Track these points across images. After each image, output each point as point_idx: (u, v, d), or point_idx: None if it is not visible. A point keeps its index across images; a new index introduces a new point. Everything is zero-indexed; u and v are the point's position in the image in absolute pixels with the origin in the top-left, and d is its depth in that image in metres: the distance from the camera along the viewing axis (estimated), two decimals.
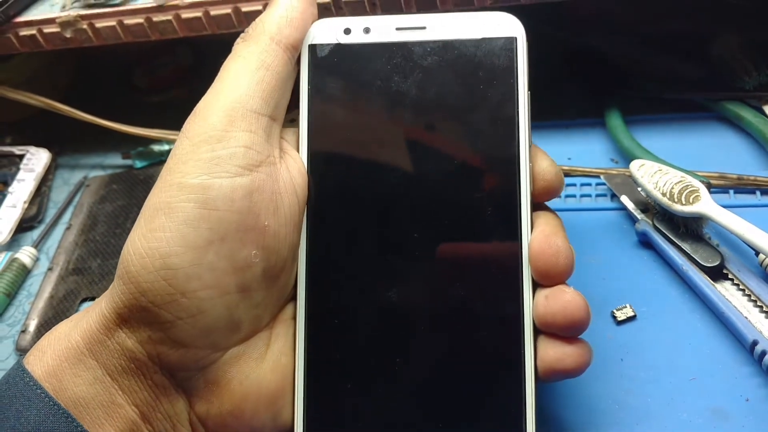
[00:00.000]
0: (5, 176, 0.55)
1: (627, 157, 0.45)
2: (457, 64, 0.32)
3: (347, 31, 0.33)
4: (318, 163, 0.33)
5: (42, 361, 0.29)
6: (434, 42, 0.33)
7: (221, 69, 0.32)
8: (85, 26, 0.48)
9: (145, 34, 0.48)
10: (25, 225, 0.53)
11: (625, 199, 0.43)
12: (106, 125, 0.53)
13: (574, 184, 0.46)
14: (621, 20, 0.52)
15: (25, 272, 0.50)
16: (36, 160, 0.56)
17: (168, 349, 0.29)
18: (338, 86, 0.33)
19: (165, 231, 0.29)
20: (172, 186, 0.29)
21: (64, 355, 0.29)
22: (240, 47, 0.32)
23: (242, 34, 0.33)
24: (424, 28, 0.33)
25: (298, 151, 0.33)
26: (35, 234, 0.53)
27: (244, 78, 0.31)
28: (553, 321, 0.30)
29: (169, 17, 0.46)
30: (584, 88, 0.53)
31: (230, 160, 0.30)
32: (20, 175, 0.55)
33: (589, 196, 0.46)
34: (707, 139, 0.47)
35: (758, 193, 0.43)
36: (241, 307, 0.30)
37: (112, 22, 0.47)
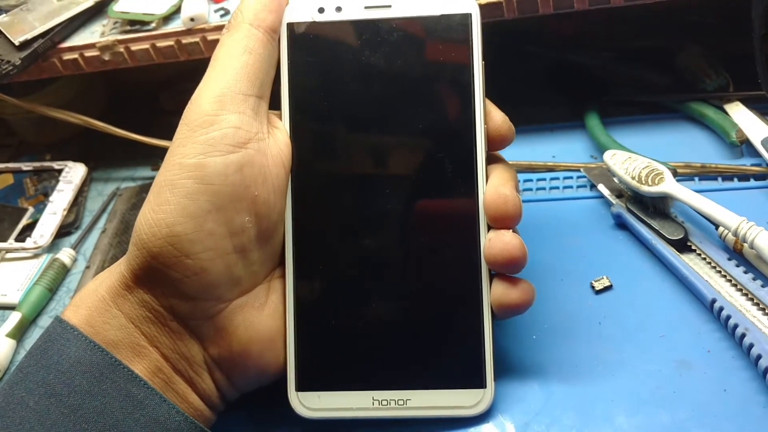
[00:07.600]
0: (46, 188, 0.60)
1: (604, 152, 0.48)
2: (420, 37, 0.35)
3: (321, 10, 0.36)
4: (299, 132, 0.36)
5: (76, 313, 0.33)
6: (399, 19, 0.35)
7: (211, 59, 0.35)
8: (121, 49, 0.53)
9: (174, 55, 0.52)
10: (63, 230, 0.57)
11: (602, 187, 0.47)
12: (138, 139, 0.57)
13: (558, 178, 0.50)
14: (598, 38, 0.57)
15: (65, 271, 0.53)
16: (73, 173, 0.60)
17: (179, 301, 0.33)
18: (314, 60, 0.36)
19: (169, 204, 0.32)
20: (174, 166, 0.32)
21: (93, 307, 0.33)
22: (225, 37, 0.35)
23: (226, 25, 0.36)
24: (389, 6, 0.35)
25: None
26: (73, 238, 0.56)
27: (231, 64, 0.34)
28: (494, 260, 0.34)
29: (197, 39, 0.51)
30: (566, 96, 0.57)
31: (222, 140, 0.32)
32: (59, 186, 0.59)
33: (571, 187, 0.49)
34: (675, 135, 0.52)
35: (720, 179, 0.47)
36: (240, 265, 0.34)
37: (146, 45, 0.52)
